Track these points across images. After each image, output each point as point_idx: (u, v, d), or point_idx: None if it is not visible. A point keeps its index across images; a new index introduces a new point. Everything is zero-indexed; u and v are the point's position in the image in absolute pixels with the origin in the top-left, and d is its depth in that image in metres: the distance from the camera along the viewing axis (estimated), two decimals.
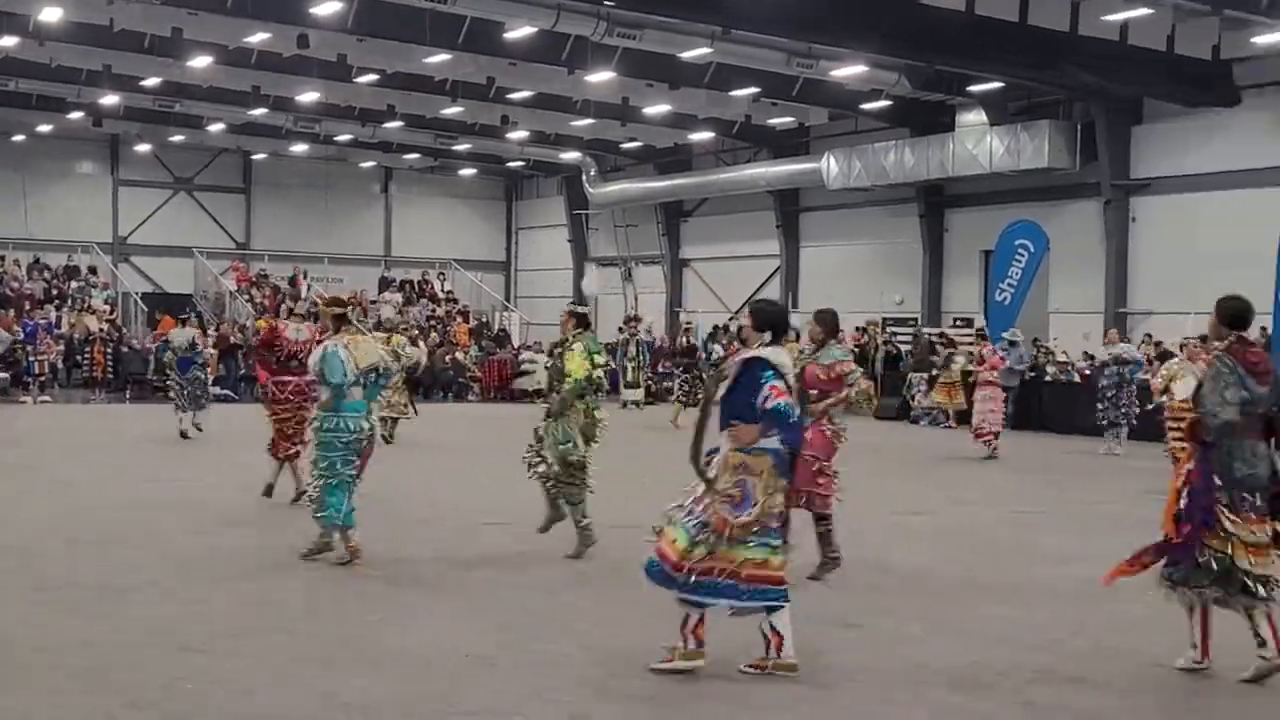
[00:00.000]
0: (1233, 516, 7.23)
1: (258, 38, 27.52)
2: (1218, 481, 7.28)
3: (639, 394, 28.77)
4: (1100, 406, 21.19)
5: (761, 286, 39.19)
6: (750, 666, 7.15)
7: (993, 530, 13.05)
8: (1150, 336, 26.07)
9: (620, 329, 30.30)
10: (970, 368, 21.69)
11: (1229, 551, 7.23)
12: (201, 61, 29.10)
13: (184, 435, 20.25)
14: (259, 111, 34.64)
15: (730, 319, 38.46)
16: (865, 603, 9.16)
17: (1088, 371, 26.87)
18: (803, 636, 8.02)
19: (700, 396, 24.58)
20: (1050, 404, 25.69)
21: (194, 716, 6.40)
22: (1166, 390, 15.80)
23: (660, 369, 32.18)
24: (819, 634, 8.13)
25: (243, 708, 6.53)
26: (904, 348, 30.93)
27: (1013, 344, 25.00)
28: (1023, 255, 22.23)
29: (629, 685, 6.95)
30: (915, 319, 33.59)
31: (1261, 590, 7.21)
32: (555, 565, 10.31)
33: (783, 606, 7.10)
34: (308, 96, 33.30)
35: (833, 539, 9.97)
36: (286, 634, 7.96)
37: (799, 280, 37.99)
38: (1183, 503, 7.40)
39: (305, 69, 29.95)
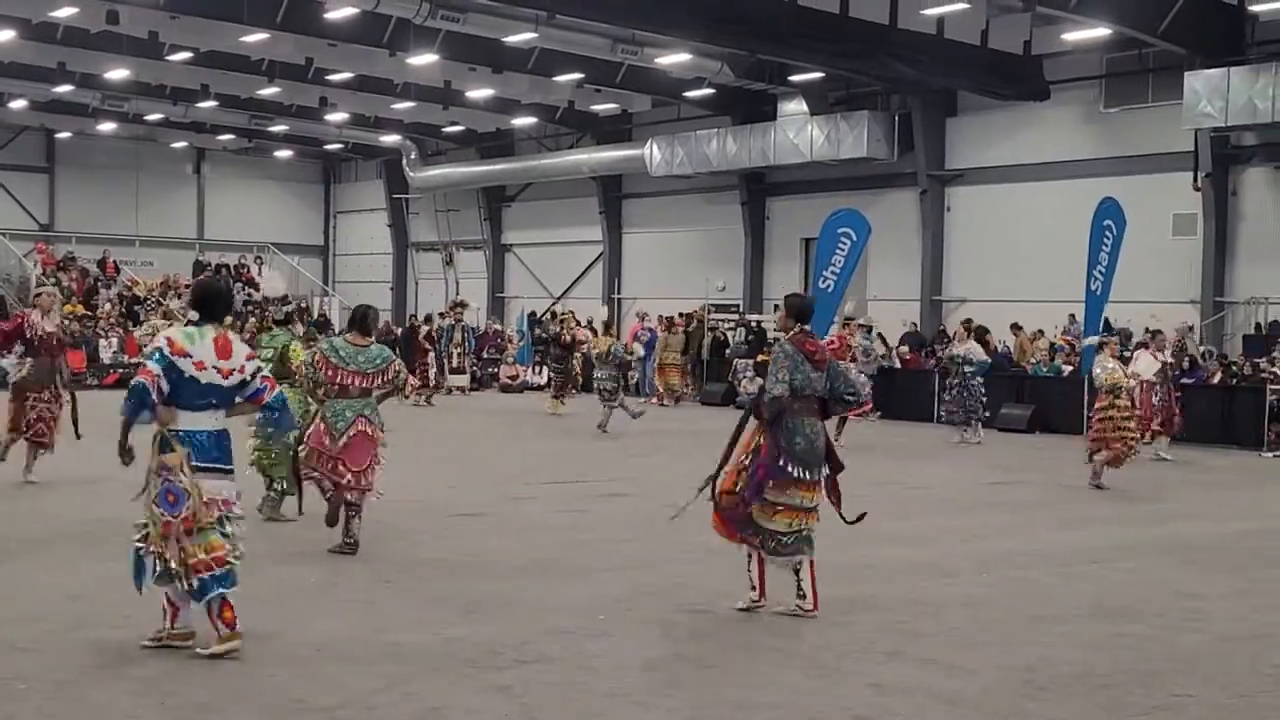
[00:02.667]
0: (779, 484, 8.24)
1: (64, 12, 26.53)
2: (781, 458, 8.23)
3: (464, 380, 28.65)
4: (948, 398, 21.45)
5: (585, 272, 39.27)
6: (150, 640, 7.22)
7: (825, 513, 13.20)
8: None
9: (442, 314, 30.05)
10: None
11: (761, 520, 8.27)
12: (3, 36, 27.90)
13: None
14: (64, 89, 33.44)
15: (553, 304, 38.52)
16: (712, 587, 9.17)
17: (906, 357, 27.48)
18: (651, 624, 8.05)
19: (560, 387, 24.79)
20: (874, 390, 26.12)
21: (27, 717, 6.12)
22: (1114, 388, 15.47)
23: (485, 355, 32.03)
24: (671, 621, 8.16)
25: (80, 706, 6.26)
26: (730, 334, 31.27)
27: (868, 330, 25.51)
28: (845, 243, 22.49)
29: (485, 676, 6.85)
30: (738, 305, 33.99)
31: (775, 544, 8.31)
32: (396, 554, 10.14)
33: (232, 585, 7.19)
34: (117, 74, 32.22)
35: (351, 524, 10.13)
36: (112, 628, 7.62)
37: (622, 266, 38.12)
38: (747, 476, 8.28)
39: (114, 45, 28.95)
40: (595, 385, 22.20)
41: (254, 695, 6.45)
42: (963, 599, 9.05)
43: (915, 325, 29.19)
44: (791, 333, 8.48)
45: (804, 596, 8.32)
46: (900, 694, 6.76)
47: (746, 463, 8.34)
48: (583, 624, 8.02)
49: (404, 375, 10.53)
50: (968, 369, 21.04)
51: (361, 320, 10.34)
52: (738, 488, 8.34)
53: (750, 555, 8.45)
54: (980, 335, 22.45)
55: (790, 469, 8.23)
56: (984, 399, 21.36)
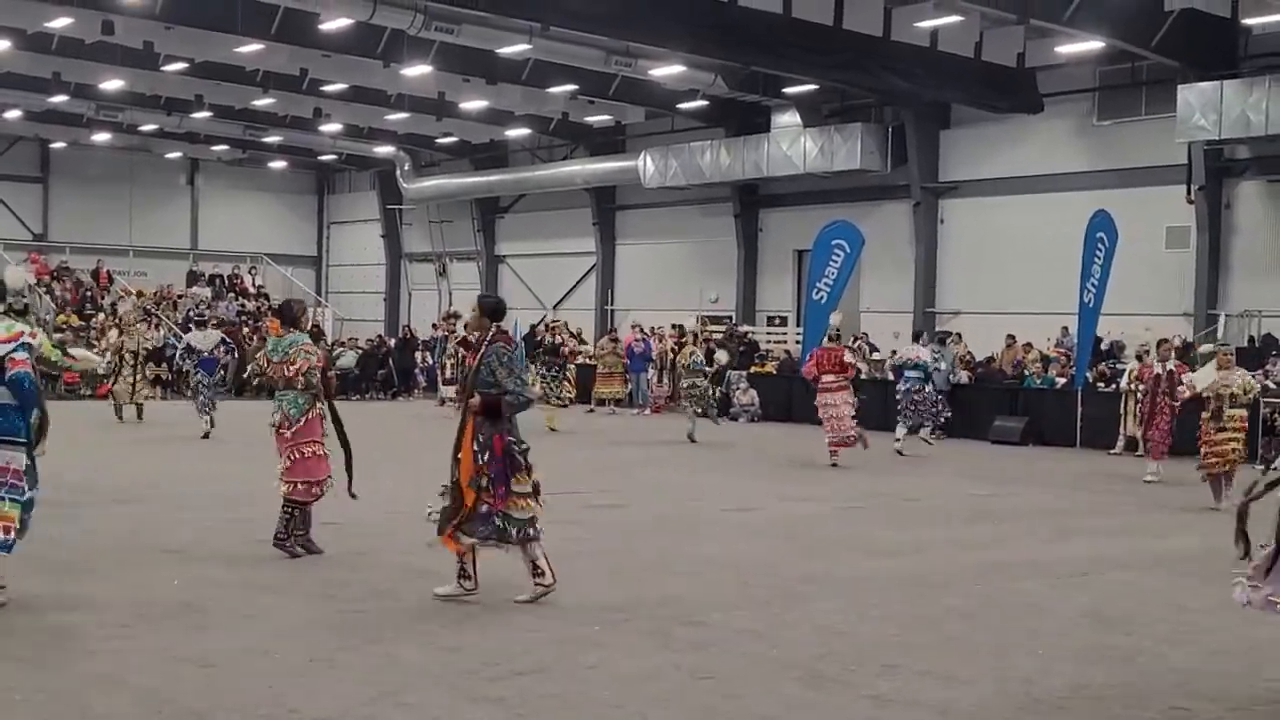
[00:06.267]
0: (519, 476, 8.69)
1: (59, 22, 26.57)
2: (515, 449, 8.67)
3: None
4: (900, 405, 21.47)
5: (578, 284, 39.28)
6: None
7: (822, 524, 13.25)
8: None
9: (435, 325, 30.05)
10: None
11: (513, 513, 8.65)
12: None
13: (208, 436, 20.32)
14: (59, 99, 33.40)
15: (545, 316, 38.46)
16: (709, 598, 9.19)
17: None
18: (647, 635, 8.05)
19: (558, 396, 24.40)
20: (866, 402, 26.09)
21: None
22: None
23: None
24: (667, 632, 8.15)
25: (81, 716, 6.25)
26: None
27: (943, 342, 25.35)
28: (839, 255, 22.54)
29: (481, 686, 6.84)
30: (730, 317, 34.02)
31: (530, 531, 8.70)
32: (390, 565, 10.12)
33: None
34: (111, 84, 32.24)
35: (288, 528, 10.34)
36: (108, 637, 7.62)
37: (615, 278, 38.14)
38: (489, 471, 8.60)
39: (109, 56, 29.03)
40: (683, 395, 22.24)
41: (250, 705, 6.43)
42: (958, 610, 9.04)
43: (865, 334, 29.26)
44: (492, 332, 8.81)
45: (543, 574, 8.71)
46: (897, 705, 6.75)
47: (481, 478, 8.60)
48: (578, 635, 8.00)
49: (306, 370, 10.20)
50: (910, 373, 21.02)
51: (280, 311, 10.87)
52: (479, 504, 8.62)
53: (470, 551, 8.75)
54: (916, 338, 22.35)
55: (521, 459, 8.72)
56: (936, 405, 21.20)
